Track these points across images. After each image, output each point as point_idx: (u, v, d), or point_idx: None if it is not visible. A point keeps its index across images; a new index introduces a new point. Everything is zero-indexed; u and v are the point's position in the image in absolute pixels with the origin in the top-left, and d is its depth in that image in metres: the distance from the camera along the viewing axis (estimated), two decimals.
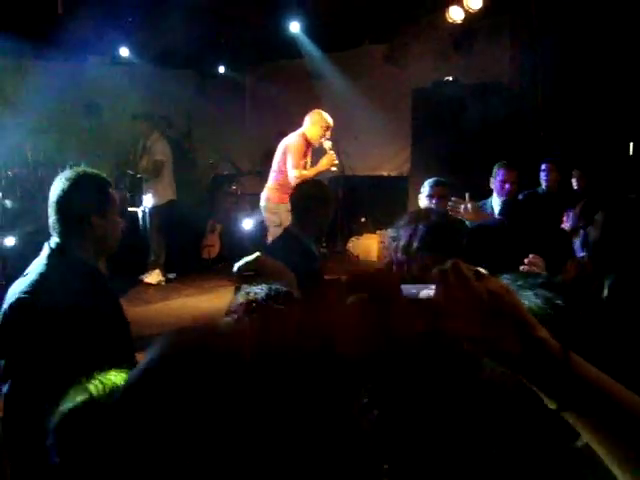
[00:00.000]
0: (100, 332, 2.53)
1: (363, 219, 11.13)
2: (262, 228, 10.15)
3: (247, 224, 10.53)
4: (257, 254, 2.52)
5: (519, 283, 1.47)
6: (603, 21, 8.09)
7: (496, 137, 8.76)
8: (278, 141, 11.54)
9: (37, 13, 8.60)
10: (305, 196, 4.26)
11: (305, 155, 7.10)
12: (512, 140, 8.62)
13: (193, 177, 10.76)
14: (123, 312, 2.83)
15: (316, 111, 7.28)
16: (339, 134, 11.00)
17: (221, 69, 11.81)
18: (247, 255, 2.50)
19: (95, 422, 1.72)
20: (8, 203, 7.83)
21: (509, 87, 9.43)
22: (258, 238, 10.68)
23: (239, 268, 2.49)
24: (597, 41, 8.25)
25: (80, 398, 1.84)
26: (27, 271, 2.58)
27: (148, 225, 8.79)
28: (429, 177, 8.43)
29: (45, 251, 2.61)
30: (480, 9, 8.70)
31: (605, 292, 2.69)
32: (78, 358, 2.41)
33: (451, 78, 9.65)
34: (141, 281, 8.52)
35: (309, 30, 9.97)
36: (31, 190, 8.30)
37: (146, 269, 8.67)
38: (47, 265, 2.55)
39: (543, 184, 6.59)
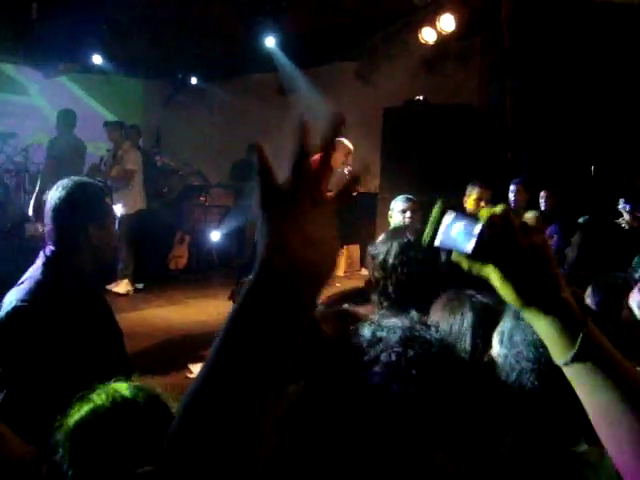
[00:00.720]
0: (95, 341, 2.55)
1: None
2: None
3: (215, 236, 10.54)
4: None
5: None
6: (572, 46, 8.29)
7: (464, 158, 8.91)
8: (246, 154, 11.63)
9: (11, 16, 8.54)
10: None
11: None
12: (480, 161, 8.78)
13: (161, 187, 10.72)
14: (116, 321, 2.84)
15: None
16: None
17: (193, 80, 11.83)
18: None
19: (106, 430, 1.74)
20: None
21: (478, 109, 9.59)
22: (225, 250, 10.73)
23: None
24: (565, 65, 8.46)
25: (86, 409, 1.86)
26: (22, 279, 2.58)
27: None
28: (398, 195, 8.59)
29: (40, 259, 2.61)
30: (452, 31, 8.85)
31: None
32: (73, 367, 2.43)
33: (421, 98, 9.79)
34: (109, 291, 8.46)
35: (283, 45, 10.04)
36: None
37: (114, 279, 8.61)
38: (43, 273, 2.56)
39: (512, 204, 6.72)
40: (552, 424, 1.54)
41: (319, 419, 1.22)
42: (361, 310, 2.87)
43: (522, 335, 1.61)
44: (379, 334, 1.28)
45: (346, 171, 7.34)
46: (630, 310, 2.60)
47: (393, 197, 8.98)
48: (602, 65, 8.17)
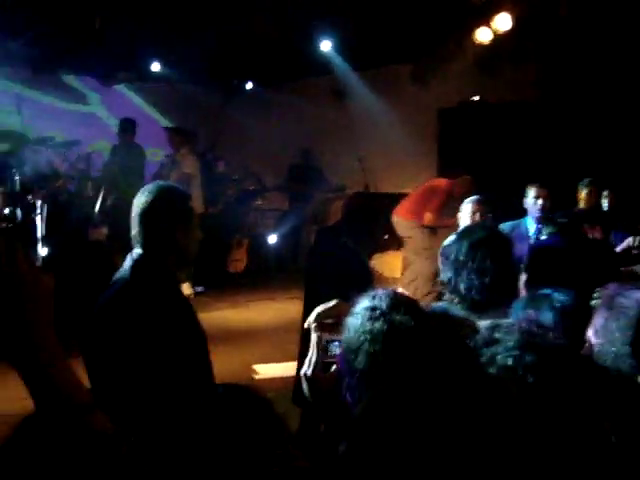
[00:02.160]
0: (183, 341, 2.61)
1: (386, 236, 11.18)
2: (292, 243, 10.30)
3: (272, 239, 10.63)
4: (335, 301, 2.55)
5: (628, 286, 1.65)
6: (631, 43, 8.18)
7: (522, 157, 8.86)
8: (302, 157, 11.70)
9: (73, 28, 8.75)
10: (363, 210, 4.34)
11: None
12: (539, 160, 8.71)
13: (219, 191, 10.84)
14: (200, 324, 2.90)
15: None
16: (364, 151, 11.14)
17: (248, 85, 11.95)
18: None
19: None
20: None
21: (534, 107, 9.51)
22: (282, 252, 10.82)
23: (318, 315, 2.53)
24: (624, 62, 8.35)
25: None
26: (113, 280, 2.66)
27: None
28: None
29: (128, 262, 2.69)
30: (507, 30, 8.79)
31: None
32: (162, 368, 2.50)
33: (477, 98, 9.76)
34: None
35: (339, 48, 10.09)
36: None
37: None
38: (132, 275, 2.63)
39: (582, 203, 6.57)
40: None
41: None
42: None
43: (615, 322, 1.68)
44: (497, 335, 1.30)
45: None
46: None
47: None
48: None
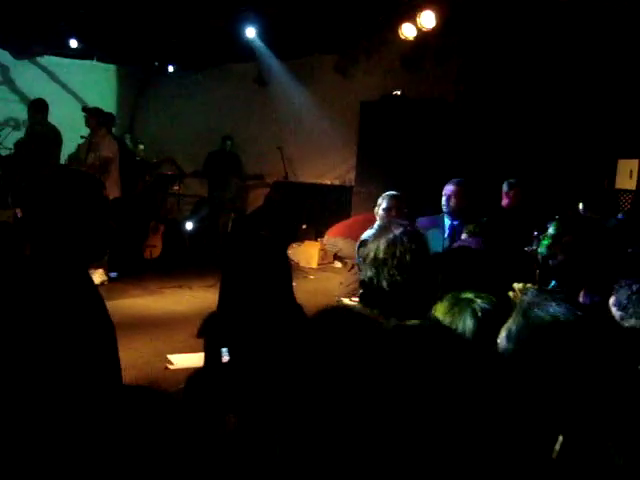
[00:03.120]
0: (79, 335, 2.55)
1: (304, 226, 11.23)
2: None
3: (189, 225, 10.50)
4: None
5: (544, 296, 1.71)
6: (551, 44, 8.41)
7: (440, 152, 9.02)
8: (222, 144, 11.61)
9: None
10: (284, 203, 4.32)
11: None
12: (457, 157, 8.88)
13: (136, 175, 10.63)
14: (107, 315, 2.84)
15: None
16: (284, 140, 11.12)
17: (170, 68, 11.73)
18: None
19: None
20: None
21: (454, 105, 9.68)
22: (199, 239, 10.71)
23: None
24: (543, 63, 8.58)
25: None
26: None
27: None
28: (372, 187, 8.73)
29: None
30: (432, 28, 8.91)
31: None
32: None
33: (399, 92, 9.86)
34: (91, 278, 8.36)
35: (263, 35, 10.02)
36: None
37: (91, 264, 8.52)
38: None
39: (505, 201, 6.62)
40: None
41: None
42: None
43: (527, 332, 1.75)
44: None
45: None
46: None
47: (367, 190, 9.18)
48: (582, 64, 8.30)
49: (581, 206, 5.79)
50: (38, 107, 8.78)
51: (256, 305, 2.70)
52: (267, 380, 1.91)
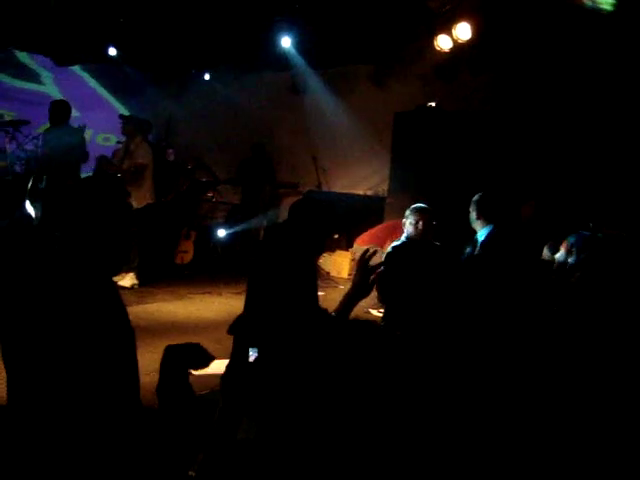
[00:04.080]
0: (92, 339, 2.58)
1: (336, 236, 11.21)
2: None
3: (221, 232, 10.57)
4: None
5: None
6: (586, 55, 8.33)
7: (474, 166, 8.95)
8: (254, 151, 11.70)
9: (29, 3, 8.56)
10: (316, 220, 4.20)
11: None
12: (486, 169, 8.81)
13: (170, 181, 10.73)
14: (127, 320, 2.86)
15: None
16: (318, 149, 11.15)
17: (206, 76, 11.84)
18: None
19: None
20: None
21: (488, 117, 9.61)
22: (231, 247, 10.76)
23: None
24: (579, 76, 8.50)
25: None
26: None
27: None
28: (405, 199, 8.69)
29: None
30: (468, 39, 8.87)
31: None
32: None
33: (434, 104, 9.82)
34: (115, 284, 8.43)
35: (298, 45, 10.06)
36: None
37: (120, 272, 8.60)
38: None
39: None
40: None
41: None
42: None
43: None
44: None
45: None
46: None
47: (400, 201, 9.15)
48: (619, 73, 8.21)
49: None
50: (59, 109, 8.80)
51: (280, 307, 2.71)
52: (288, 379, 1.93)
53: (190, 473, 2.36)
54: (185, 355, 1.54)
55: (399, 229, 7.44)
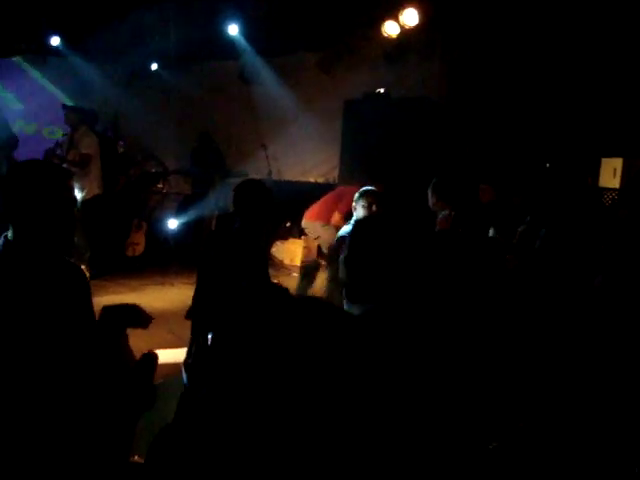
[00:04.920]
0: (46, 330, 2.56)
1: (288, 224, 11.20)
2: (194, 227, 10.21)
3: (172, 223, 10.47)
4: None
5: None
6: (535, 42, 8.44)
7: (423, 150, 9.03)
8: (205, 141, 11.61)
9: None
10: (254, 195, 4.41)
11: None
12: (438, 155, 8.90)
13: (119, 173, 10.59)
14: (90, 309, 2.83)
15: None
16: (268, 137, 11.11)
17: (153, 66, 11.69)
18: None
19: None
20: None
21: (438, 102, 9.70)
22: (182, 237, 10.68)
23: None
24: (528, 61, 8.61)
25: None
26: None
27: None
28: (355, 185, 8.69)
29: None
30: (415, 25, 8.91)
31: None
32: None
33: (382, 90, 9.87)
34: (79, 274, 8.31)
35: (246, 33, 10.00)
36: None
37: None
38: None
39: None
40: None
41: None
42: None
43: None
44: None
45: None
46: None
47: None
48: (567, 62, 8.33)
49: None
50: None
51: (231, 288, 2.70)
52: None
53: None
54: (123, 315, 1.53)
55: (346, 197, 7.47)
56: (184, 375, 2.54)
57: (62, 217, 2.64)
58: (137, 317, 1.54)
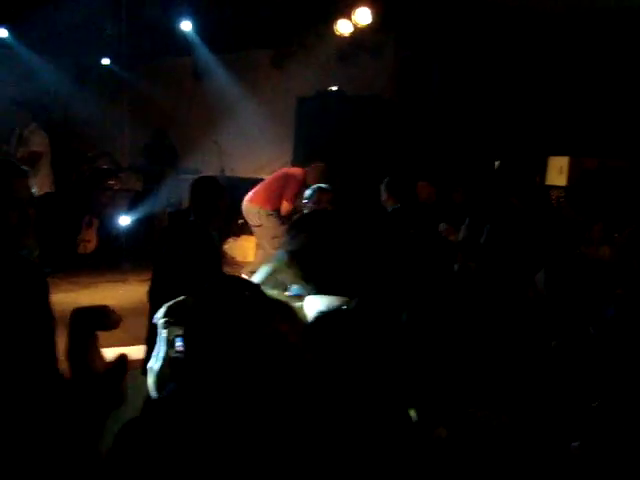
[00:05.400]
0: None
1: (241, 221, 11.18)
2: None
3: (124, 220, 10.38)
4: (184, 297, 2.55)
5: None
6: (483, 41, 8.59)
7: (376, 148, 9.13)
8: (157, 137, 11.54)
9: None
10: (209, 191, 4.61)
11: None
12: (389, 152, 9.00)
13: (69, 169, 10.46)
14: (48, 306, 2.84)
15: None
16: (221, 134, 11.08)
17: (105, 61, 11.55)
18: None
19: None
20: None
21: (389, 101, 9.80)
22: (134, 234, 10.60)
23: (167, 310, 2.52)
24: (477, 60, 8.76)
25: None
26: None
27: None
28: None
29: None
30: (368, 24, 8.99)
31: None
32: None
33: (335, 88, 9.94)
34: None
35: (199, 29, 9.96)
36: None
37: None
38: None
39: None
40: None
41: None
42: None
43: None
44: None
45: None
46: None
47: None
48: (514, 62, 8.49)
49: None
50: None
51: (186, 282, 2.72)
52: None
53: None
54: (93, 317, 1.56)
55: (291, 182, 7.44)
56: (150, 380, 2.55)
57: (18, 214, 2.65)
58: (107, 319, 1.58)
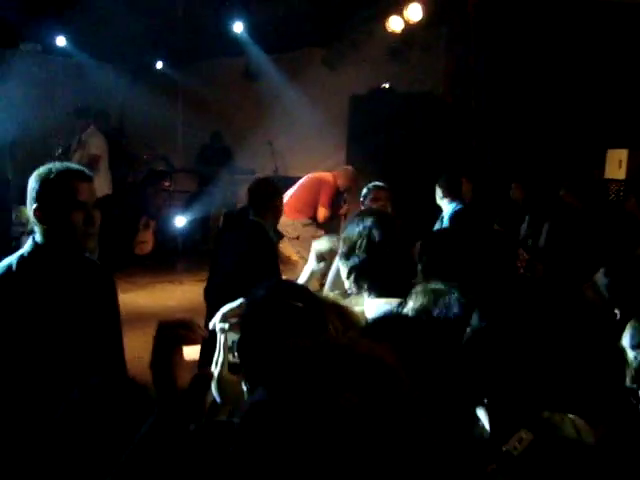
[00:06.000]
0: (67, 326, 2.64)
1: None
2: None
3: (179, 221, 10.52)
4: (241, 300, 2.55)
5: None
6: (538, 36, 8.45)
7: (429, 145, 9.05)
8: (212, 139, 11.63)
9: None
10: (267, 191, 4.76)
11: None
12: (443, 149, 8.92)
13: (126, 172, 10.64)
14: (114, 305, 2.95)
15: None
16: (274, 134, 11.13)
17: (158, 64, 11.70)
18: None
19: None
20: None
21: (442, 98, 9.72)
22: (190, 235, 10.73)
23: (224, 315, 2.52)
24: (531, 56, 8.62)
25: None
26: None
27: None
28: (361, 181, 8.70)
29: (29, 242, 2.73)
30: (419, 20, 8.93)
31: None
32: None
33: (387, 85, 9.89)
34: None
35: (251, 30, 10.00)
36: None
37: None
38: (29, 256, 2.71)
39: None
40: None
41: None
42: None
43: None
44: None
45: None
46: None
47: (358, 184, 9.10)
48: (569, 56, 8.34)
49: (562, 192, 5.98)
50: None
51: (244, 282, 2.72)
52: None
53: None
54: (178, 332, 1.56)
55: (323, 187, 7.34)
56: (212, 386, 2.54)
57: (83, 217, 2.71)
58: (193, 333, 1.59)
